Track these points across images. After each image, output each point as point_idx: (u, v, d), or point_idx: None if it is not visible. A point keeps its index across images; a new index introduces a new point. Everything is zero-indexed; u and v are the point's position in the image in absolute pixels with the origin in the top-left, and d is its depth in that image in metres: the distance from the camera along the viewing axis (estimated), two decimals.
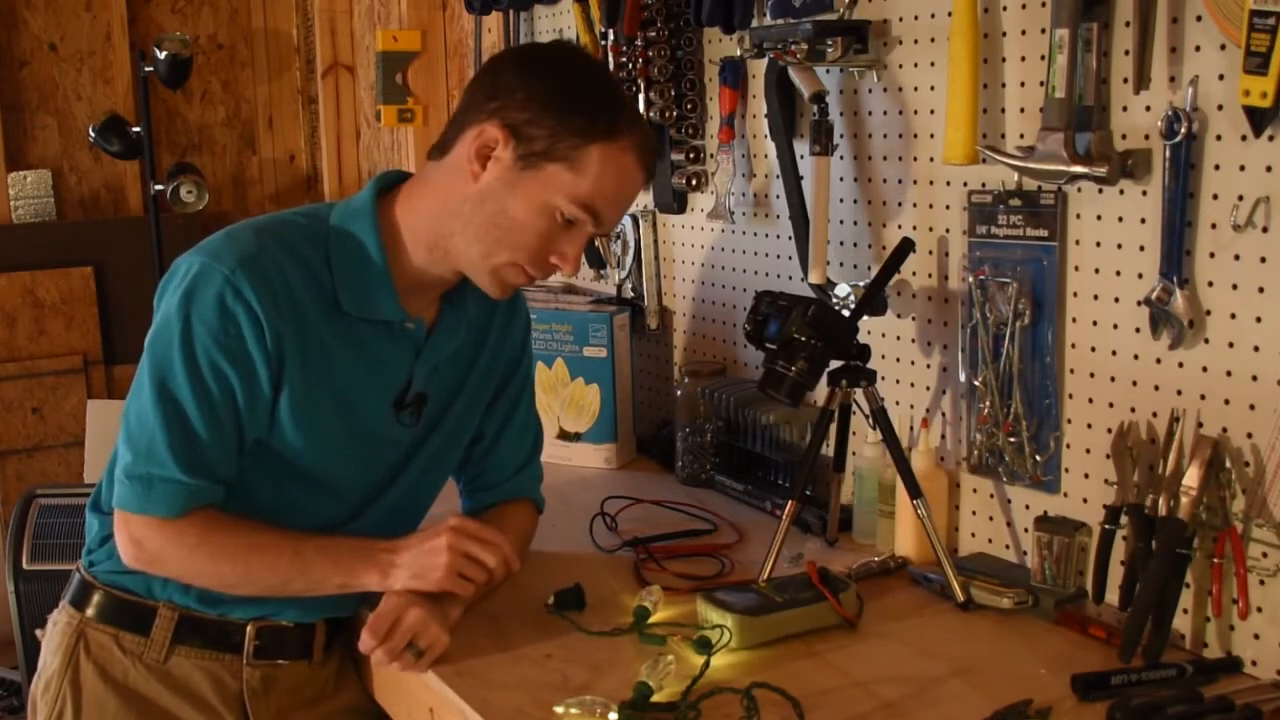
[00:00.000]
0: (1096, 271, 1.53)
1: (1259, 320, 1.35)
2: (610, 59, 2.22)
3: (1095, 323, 1.54)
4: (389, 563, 1.46)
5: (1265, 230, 1.33)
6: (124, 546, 1.45)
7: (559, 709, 1.30)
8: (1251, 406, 1.36)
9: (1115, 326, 1.52)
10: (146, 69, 3.43)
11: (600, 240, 2.46)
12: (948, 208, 1.73)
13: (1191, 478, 1.39)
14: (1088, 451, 1.57)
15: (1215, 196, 1.38)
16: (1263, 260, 1.34)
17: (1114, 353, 1.52)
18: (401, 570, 1.45)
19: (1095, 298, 1.54)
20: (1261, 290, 1.34)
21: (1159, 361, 1.47)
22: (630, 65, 2.18)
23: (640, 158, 1.47)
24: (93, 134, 3.45)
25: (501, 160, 1.43)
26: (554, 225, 1.44)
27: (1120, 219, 1.50)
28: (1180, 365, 1.44)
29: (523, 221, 1.44)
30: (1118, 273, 1.51)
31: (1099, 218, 1.52)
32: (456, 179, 1.46)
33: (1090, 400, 1.56)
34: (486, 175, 1.44)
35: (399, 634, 1.42)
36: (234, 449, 1.44)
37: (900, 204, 1.81)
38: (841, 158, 1.89)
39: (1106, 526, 1.48)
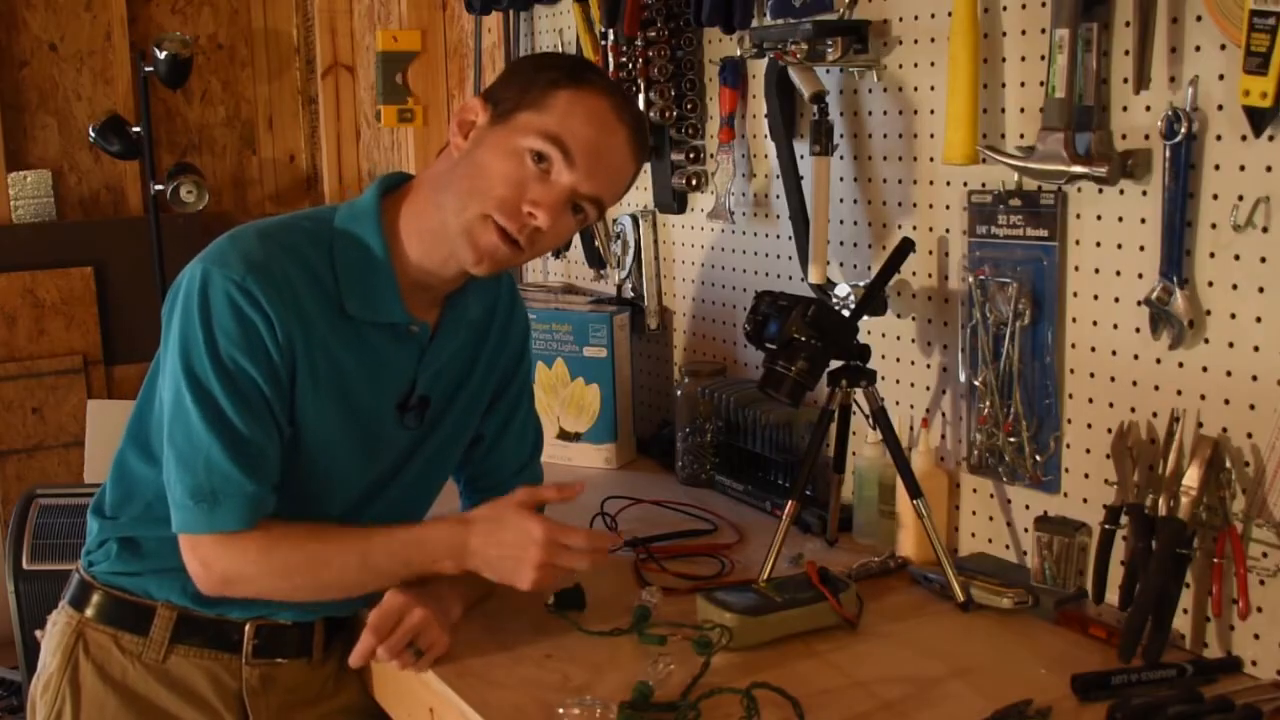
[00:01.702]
0: (1096, 271, 1.53)
1: (1259, 320, 1.35)
2: (610, 59, 2.22)
3: (1095, 323, 1.54)
4: (463, 557, 1.44)
5: (1265, 230, 1.33)
6: (194, 571, 1.44)
7: (559, 709, 1.29)
8: (1251, 406, 1.36)
9: (1115, 326, 1.52)
10: (146, 69, 3.43)
11: (600, 240, 2.46)
12: (948, 208, 1.73)
13: (1191, 478, 1.39)
14: (1088, 451, 1.57)
15: (1215, 196, 1.38)
16: (1263, 260, 1.34)
17: (1114, 353, 1.52)
18: (480, 566, 1.44)
19: (1095, 298, 1.54)
20: (1261, 290, 1.34)
21: (1159, 361, 1.47)
22: (630, 65, 2.18)
23: (614, 105, 1.44)
24: (93, 134, 3.45)
25: (479, 126, 1.46)
26: (523, 169, 1.41)
27: (1120, 219, 1.50)
28: (1180, 365, 1.44)
29: (491, 167, 1.42)
30: (1118, 273, 1.51)
31: (1099, 218, 1.52)
32: (444, 161, 1.49)
33: (1090, 400, 1.56)
34: (467, 144, 1.46)
35: (400, 633, 1.42)
36: (279, 448, 1.44)
37: (900, 204, 1.81)
38: (841, 158, 1.89)
39: (1106, 526, 1.48)
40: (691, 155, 2.20)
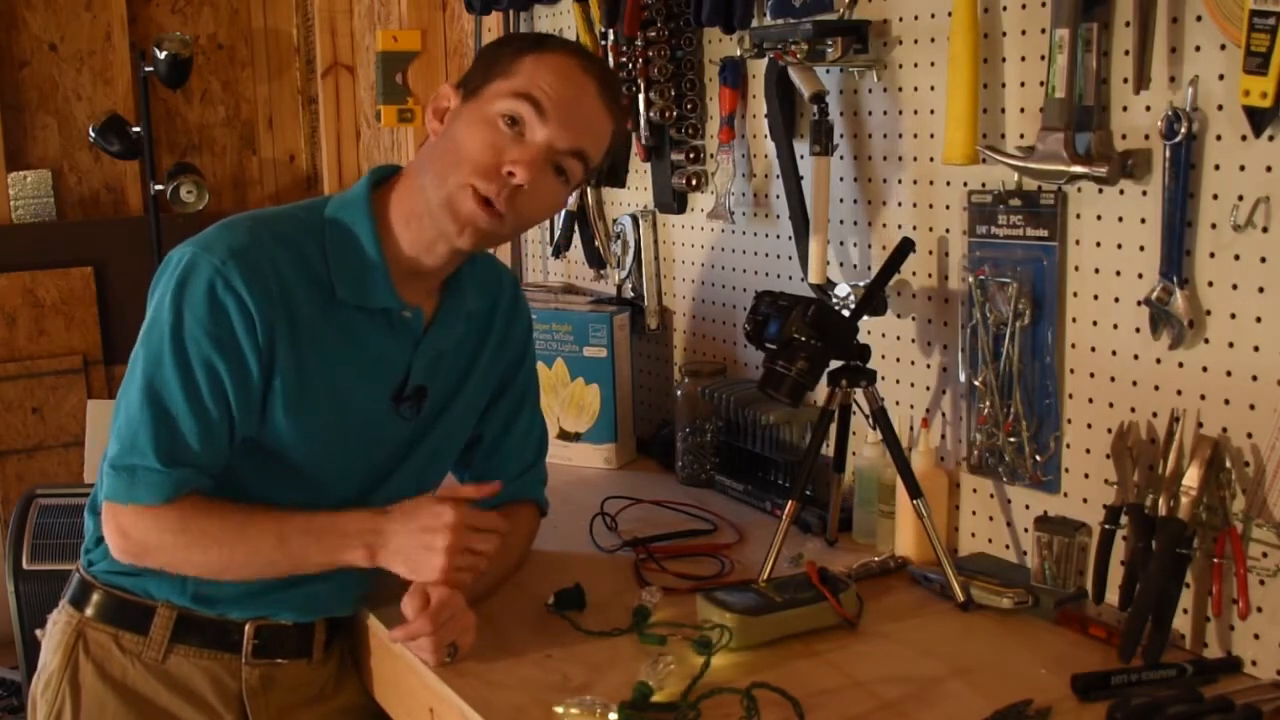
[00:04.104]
0: (1096, 271, 1.53)
1: (1259, 320, 1.35)
2: (610, 59, 2.22)
3: (1095, 323, 1.54)
4: (376, 544, 1.43)
5: (1265, 230, 1.33)
6: (111, 538, 1.45)
7: (559, 709, 1.30)
8: (1251, 406, 1.36)
9: (1115, 326, 1.52)
10: (146, 69, 3.43)
11: (600, 240, 2.46)
12: (948, 208, 1.73)
13: (1191, 478, 1.39)
14: (1088, 451, 1.57)
15: (1215, 196, 1.38)
16: (1263, 260, 1.34)
17: (1114, 353, 1.52)
18: (391, 555, 1.42)
19: (1095, 298, 1.54)
20: (1261, 290, 1.34)
21: (1159, 361, 1.47)
22: (630, 65, 2.18)
23: (581, 62, 1.47)
24: (93, 134, 3.45)
25: (452, 108, 1.49)
26: (498, 134, 1.43)
27: (1120, 219, 1.50)
28: (1180, 365, 1.44)
29: (466, 138, 1.44)
30: (1118, 273, 1.51)
31: (1099, 218, 1.52)
32: (424, 148, 1.52)
33: (1090, 400, 1.56)
34: (443, 127, 1.49)
35: (453, 627, 1.42)
36: (223, 443, 1.44)
37: (900, 204, 1.81)
38: (841, 158, 1.89)
39: (1106, 526, 1.48)
40: (691, 155, 2.20)
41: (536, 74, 1.44)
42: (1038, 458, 1.62)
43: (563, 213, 2.50)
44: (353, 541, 1.43)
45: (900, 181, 1.81)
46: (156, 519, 1.42)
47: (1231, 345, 1.38)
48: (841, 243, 1.92)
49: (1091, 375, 1.56)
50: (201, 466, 1.43)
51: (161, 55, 3.36)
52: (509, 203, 1.44)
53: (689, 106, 2.18)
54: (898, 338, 1.83)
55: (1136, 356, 1.49)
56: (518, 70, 1.45)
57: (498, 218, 1.44)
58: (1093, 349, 1.55)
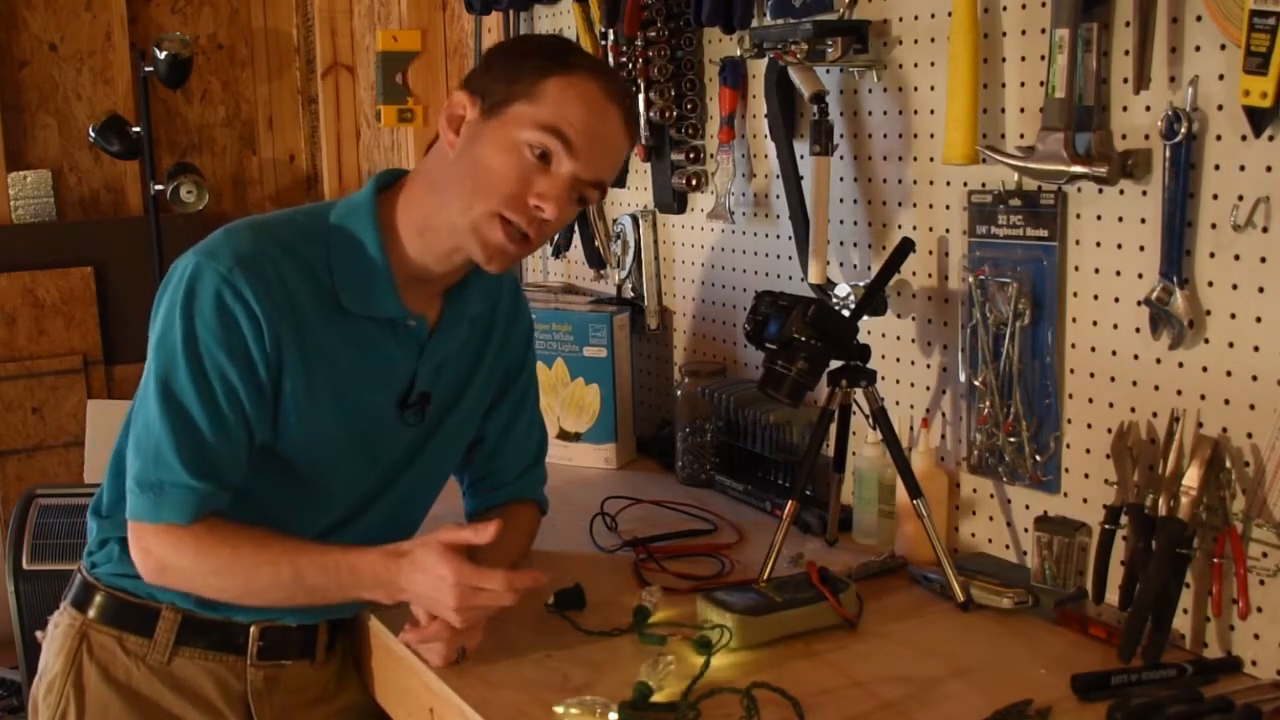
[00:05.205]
0: (1096, 271, 1.53)
1: (1259, 320, 1.35)
2: (610, 59, 2.22)
3: (1095, 323, 1.54)
4: (393, 588, 1.40)
5: (1265, 230, 1.33)
6: (136, 557, 1.44)
7: (559, 709, 1.30)
8: (1251, 406, 1.37)
9: (1115, 326, 1.52)
10: (146, 69, 3.43)
11: (600, 240, 2.46)
12: (948, 208, 1.73)
13: (1191, 478, 1.39)
14: (1088, 451, 1.57)
15: (1215, 196, 1.38)
16: (1263, 260, 1.34)
17: (1114, 353, 1.52)
18: (409, 598, 1.41)
19: (1095, 298, 1.54)
20: (1261, 290, 1.34)
21: (1159, 361, 1.47)
22: (630, 65, 2.18)
23: (605, 86, 1.45)
24: (93, 134, 3.45)
25: (470, 120, 1.46)
26: (525, 162, 1.41)
27: (1120, 219, 1.50)
28: (1180, 365, 1.44)
29: (492, 164, 1.42)
30: (1118, 273, 1.51)
31: (1099, 218, 1.52)
32: (438, 158, 1.49)
33: (1090, 400, 1.56)
34: (460, 140, 1.46)
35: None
36: (242, 451, 1.43)
37: (900, 204, 1.81)
38: (841, 158, 1.89)
39: (1106, 526, 1.48)
40: (691, 155, 2.20)
41: (564, 104, 1.41)
42: (1038, 458, 1.62)
43: None
44: (372, 587, 1.42)
45: (900, 181, 1.81)
46: (176, 539, 1.41)
47: (1231, 345, 1.38)
48: (841, 243, 1.92)
49: (1091, 375, 1.56)
50: (223, 478, 1.42)
51: (161, 55, 3.36)
52: (537, 231, 1.44)
53: (689, 106, 2.18)
54: (898, 338, 1.83)
55: (1136, 356, 1.49)
56: (543, 95, 1.41)
57: (526, 244, 1.45)
58: (1093, 349, 1.55)
